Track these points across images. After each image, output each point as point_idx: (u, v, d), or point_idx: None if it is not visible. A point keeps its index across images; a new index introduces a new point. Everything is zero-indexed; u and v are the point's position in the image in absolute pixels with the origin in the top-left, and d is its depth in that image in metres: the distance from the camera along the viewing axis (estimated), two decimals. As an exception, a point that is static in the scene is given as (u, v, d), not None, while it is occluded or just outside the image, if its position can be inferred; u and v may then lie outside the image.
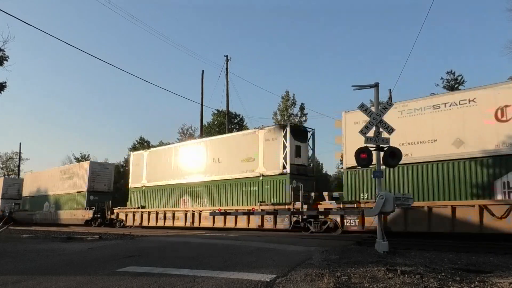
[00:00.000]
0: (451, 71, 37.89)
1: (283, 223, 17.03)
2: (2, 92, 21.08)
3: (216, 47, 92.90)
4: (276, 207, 17.37)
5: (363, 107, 9.89)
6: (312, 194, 17.06)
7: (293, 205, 16.55)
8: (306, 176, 18.35)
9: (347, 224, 15.20)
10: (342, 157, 17.10)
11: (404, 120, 14.75)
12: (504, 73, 63.39)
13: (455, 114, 13.85)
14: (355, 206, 15.06)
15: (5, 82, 21.09)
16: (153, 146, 42.15)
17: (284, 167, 17.84)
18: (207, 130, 41.05)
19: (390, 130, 9.65)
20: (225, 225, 18.91)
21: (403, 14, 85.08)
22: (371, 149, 9.60)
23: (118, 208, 26.04)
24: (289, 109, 40.89)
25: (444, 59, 73.75)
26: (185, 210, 21.42)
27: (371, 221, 13.30)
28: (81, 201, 28.64)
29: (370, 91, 10.10)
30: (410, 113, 14.83)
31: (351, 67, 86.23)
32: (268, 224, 17.41)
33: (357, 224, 14.86)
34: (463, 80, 37.48)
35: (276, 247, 9.86)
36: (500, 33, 66.44)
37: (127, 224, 24.62)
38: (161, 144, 44.81)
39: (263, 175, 18.66)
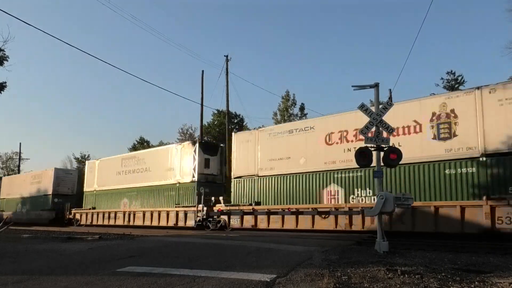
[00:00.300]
0: (451, 71, 37.98)
1: (191, 221, 20.58)
2: (2, 92, 21.10)
3: (216, 47, 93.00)
4: (185, 209, 21.17)
5: (363, 107, 9.89)
6: (213, 198, 19.79)
7: (197, 207, 20.26)
8: (215, 184, 22.27)
9: (233, 222, 18.42)
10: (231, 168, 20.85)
11: (271, 140, 18.81)
12: (505, 73, 63.40)
13: (302, 137, 17.72)
14: (237, 208, 18.53)
15: (5, 82, 21.11)
16: (153, 146, 42.37)
17: (193, 176, 21.64)
18: (207, 130, 41.07)
19: (390, 130, 9.66)
20: (151, 223, 22.85)
21: (403, 14, 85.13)
22: (371, 149, 9.61)
23: (75, 209, 29.54)
24: (289, 109, 40.94)
25: (444, 59, 73.81)
26: (123, 211, 25.29)
27: (248, 220, 17.90)
28: (47, 203, 31.83)
29: (370, 91, 10.10)
30: (275, 135, 18.79)
31: (351, 67, 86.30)
32: (181, 222, 21.06)
33: (238, 223, 18.20)
34: (463, 80, 37.54)
35: (276, 247, 9.86)
36: (500, 33, 66.46)
37: (81, 223, 28.05)
38: (161, 144, 45.01)
39: (179, 182, 22.64)
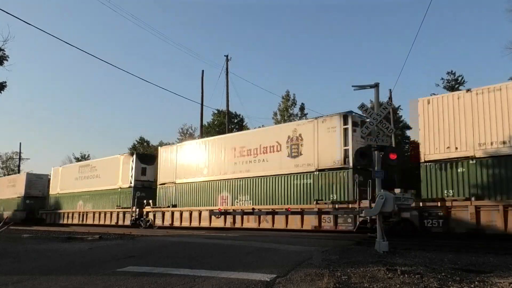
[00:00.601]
0: (452, 71, 37.90)
1: (128, 221, 24.54)
2: (2, 91, 21.09)
3: (216, 47, 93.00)
4: (124, 210, 25.28)
5: (363, 107, 9.90)
6: (144, 201, 23.79)
7: (132, 209, 24.21)
8: (151, 189, 25.16)
9: (157, 221, 22.73)
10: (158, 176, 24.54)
11: (185, 154, 22.83)
12: (505, 73, 63.39)
13: (207, 152, 21.52)
14: (159, 210, 22.94)
15: (5, 82, 21.10)
16: (153, 146, 42.39)
17: (131, 182, 25.46)
18: (207, 130, 41.03)
19: (390, 130, 9.67)
20: (99, 222, 27.03)
21: (403, 14, 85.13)
22: (371, 149, 9.61)
23: (42, 210, 34.01)
24: (289, 109, 40.87)
25: (444, 59, 73.81)
26: (79, 212, 29.74)
27: (167, 219, 22.08)
28: (20, 204, 35.24)
29: (370, 91, 10.11)
30: (189, 150, 22.82)
31: (351, 67, 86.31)
32: (121, 221, 25.46)
33: (161, 222, 22.46)
34: (464, 81, 37.48)
35: (276, 247, 9.86)
36: (500, 33, 66.48)
37: (47, 222, 32.03)
38: (161, 144, 45.04)
39: (120, 188, 26.41)
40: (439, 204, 13.16)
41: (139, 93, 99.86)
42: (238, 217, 18.52)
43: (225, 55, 32.41)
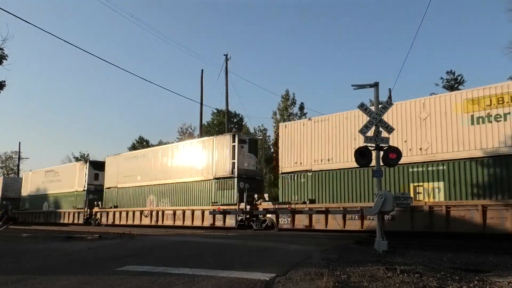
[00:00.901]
0: (451, 71, 37.94)
1: (81, 220, 28.95)
2: (1, 91, 21.09)
3: (216, 46, 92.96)
4: (78, 210, 29.67)
5: (362, 107, 9.89)
6: (95, 202, 28.38)
7: (84, 209, 28.79)
8: (102, 192, 28.78)
9: (103, 219, 26.99)
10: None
11: (126, 162, 26.92)
12: (505, 73, 63.43)
13: (140, 161, 25.86)
14: (104, 210, 27.31)
15: (4, 81, 21.11)
16: (152, 145, 42.48)
17: (84, 186, 29.63)
18: (207, 130, 41.04)
19: (390, 129, 9.67)
20: (59, 221, 31.23)
21: (402, 14, 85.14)
22: (371, 148, 9.61)
23: (15, 210, 37.84)
24: (289, 109, 40.88)
25: (444, 59, 73.84)
26: (44, 211, 34.21)
27: (117, 217, 25.95)
28: None
29: (370, 91, 10.11)
30: (128, 159, 27.10)
31: (351, 66, 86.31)
32: (76, 220, 29.61)
33: (106, 220, 26.75)
34: (463, 80, 37.52)
35: (275, 246, 9.88)
36: (500, 33, 66.51)
37: (19, 221, 34.87)
38: (160, 143, 45.09)
39: (77, 191, 30.61)
40: (288, 207, 17.12)
41: (138, 92, 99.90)
42: (160, 216, 23.08)
43: (224, 54, 32.44)
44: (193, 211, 21.17)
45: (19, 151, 59.90)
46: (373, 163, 9.80)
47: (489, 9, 73.39)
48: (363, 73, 78.54)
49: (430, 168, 14.05)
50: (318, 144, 17.02)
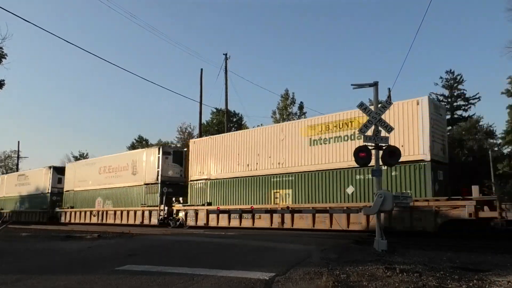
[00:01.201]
0: (450, 70, 37.88)
1: (46, 218, 32.25)
2: (0, 90, 21.07)
3: (215, 46, 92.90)
4: (43, 210, 33.08)
5: (362, 106, 9.88)
6: (58, 203, 32.22)
7: (49, 210, 32.23)
8: (63, 194, 32.60)
9: (62, 219, 30.85)
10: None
11: (82, 168, 31.01)
12: (504, 72, 63.44)
13: (91, 168, 29.61)
14: (63, 210, 31.19)
15: (4, 80, 21.08)
16: (152, 145, 42.47)
17: (49, 189, 33.30)
18: (206, 129, 40.99)
19: (389, 129, 9.66)
20: (28, 219, 34.16)
21: (402, 13, 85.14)
22: (370, 147, 9.61)
23: None
24: (288, 108, 40.84)
25: (444, 58, 73.84)
26: (16, 211, 37.14)
27: (67, 217, 30.38)
28: None
29: (369, 90, 10.09)
30: (84, 165, 31.43)
31: (350, 66, 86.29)
32: (42, 219, 32.70)
33: (65, 219, 30.63)
34: (462, 80, 37.48)
35: (275, 245, 9.87)
36: (500, 33, 66.53)
37: None
38: (159, 142, 45.20)
39: (42, 193, 33.98)
40: (193, 208, 20.81)
41: (138, 91, 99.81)
42: (105, 216, 26.83)
43: (224, 54, 32.37)
44: (128, 211, 25.18)
45: (18, 150, 59.93)
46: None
47: (489, 8, 73.45)
48: (362, 73, 78.57)
49: (284, 179, 17.92)
50: (215, 158, 20.94)
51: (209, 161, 21.18)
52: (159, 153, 23.79)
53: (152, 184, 24.02)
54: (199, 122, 32.89)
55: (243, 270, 6.24)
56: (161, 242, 11.89)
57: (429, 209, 13.16)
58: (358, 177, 15.63)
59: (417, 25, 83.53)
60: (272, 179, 18.28)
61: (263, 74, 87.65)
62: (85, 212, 28.59)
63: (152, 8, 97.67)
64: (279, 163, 18.10)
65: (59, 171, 33.60)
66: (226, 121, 34.23)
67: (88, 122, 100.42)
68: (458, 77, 37.56)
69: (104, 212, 26.89)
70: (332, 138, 16.53)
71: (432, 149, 14.12)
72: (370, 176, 14.06)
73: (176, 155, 24.51)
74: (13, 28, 73.56)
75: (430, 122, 14.23)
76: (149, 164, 24.32)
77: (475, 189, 12.86)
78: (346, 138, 16.15)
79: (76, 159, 56.04)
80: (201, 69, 31.94)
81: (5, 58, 21.13)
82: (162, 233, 16.52)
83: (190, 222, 20.55)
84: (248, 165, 19.38)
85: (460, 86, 37.48)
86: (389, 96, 29.98)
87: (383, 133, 9.80)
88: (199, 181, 21.55)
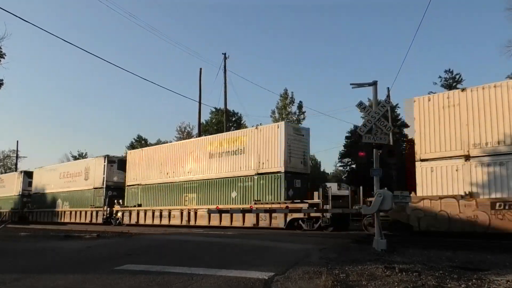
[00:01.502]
0: (450, 69, 37.95)
1: (16, 218, 35.58)
2: (-1, 89, 21.01)
3: (214, 45, 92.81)
4: (15, 210, 37.21)
5: (361, 105, 9.89)
6: (28, 205, 36.10)
7: (19, 210, 36.41)
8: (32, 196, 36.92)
9: (35, 218, 34.33)
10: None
11: (48, 173, 34.22)
12: (504, 71, 63.47)
13: (54, 173, 33.31)
14: (34, 210, 35.36)
15: (2, 80, 21.04)
16: (151, 144, 42.43)
17: (19, 192, 37.12)
18: (205, 128, 40.97)
19: (388, 128, 9.68)
20: (1, 219, 35.44)
21: (402, 13, 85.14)
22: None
23: None
24: (287, 107, 40.85)
25: (443, 57, 73.88)
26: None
27: (39, 216, 34.76)
28: None
29: (369, 89, 10.11)
30: (50, 170, 34.54)
31: (349, 65, 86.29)
32: (13, 218, 35.74)
33: (36, 218, 34.15)
34: (461, 79, 37.55)
35: (274, 245, 9.87)
36: (499, 32, 66.55)
37: None
38: (158, 142, 45.12)
39: (15, 195, 37.73)
40: (128, 209, 25.55)
41: (138, 91, 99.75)
42: (63, 215, 31.01)
43: (223, 53, 32.36)
44: (81, 212, 29.36)
45: (17, 150, 59.87)
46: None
47: (488, 8, 73.49)
48: (362, 72, 78.59)
49: (191, 185, 22.07)
50: (145, 167, 25.28)
51: (140, 169, 25.73)
52: (104, 162, 27.99)
53: (99, 188, 28.09)
54: (198, 122, 32.89)
55: (242, 269, 6.24)
56: (160, 242, 11.88)
57: (280, 209, 15.79)
58: (240, 184, 19.50)
59: (417, 25, 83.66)
60: (183, 185, 22.67)
61: (262, 74, 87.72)
62: (49, 212, 32.88)
63: (152, 8, 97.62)
64: (188, 172, 22.48)
65: (30, 176, 37.20)
66: (225, 121, 34.23)
67: (88, 122, 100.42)
68: (457, 77, 37.65)
69: (63, 212, 31.27)
70: (224, 152, 20.61)
71: (287, 162, 17.60)
72: (249, 183, 18.99)
73: (121, 163, 28.21)
74: (13, 28, 73.45)
75: (286, 142, 17.68)
76: (98, 171, 28.50)
77: (316, 194, 15.87)
78: (232, 153, 20.15)
79: (75, 158, 56.01)
80: (200, 69, 31.96)
81: (4, 58, 21.10)
82: (161, 232, 16.51)
83: (126, 220, 24.61)
84: (167, 173, 23.86)
85: (459, 86, 37.50)
86: (388, 96, 30.00)
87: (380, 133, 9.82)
88: (133, 186, 25.99)
